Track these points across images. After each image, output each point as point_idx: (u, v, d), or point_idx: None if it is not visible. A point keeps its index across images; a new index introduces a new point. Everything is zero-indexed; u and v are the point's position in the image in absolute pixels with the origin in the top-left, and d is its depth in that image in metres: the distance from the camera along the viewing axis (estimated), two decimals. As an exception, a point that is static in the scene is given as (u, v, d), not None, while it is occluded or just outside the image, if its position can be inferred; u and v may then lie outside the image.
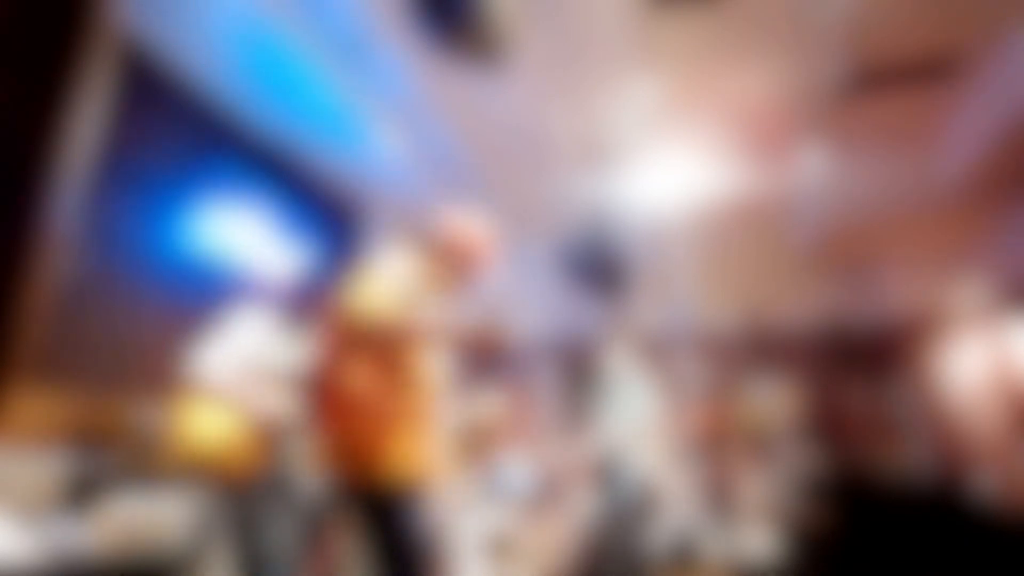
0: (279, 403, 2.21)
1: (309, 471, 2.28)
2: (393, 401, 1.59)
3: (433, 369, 1.72)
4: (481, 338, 6.49)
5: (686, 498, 5.78)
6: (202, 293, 2.65)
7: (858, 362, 6.67)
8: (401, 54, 2.83)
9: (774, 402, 6.57)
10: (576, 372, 6.99)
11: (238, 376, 2.16)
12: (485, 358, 6.00)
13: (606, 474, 3.98)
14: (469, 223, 1.90)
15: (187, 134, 2.90)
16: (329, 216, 4.04)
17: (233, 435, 2.08)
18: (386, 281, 1.67)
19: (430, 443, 1.66)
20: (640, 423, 4.12)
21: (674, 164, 3.82)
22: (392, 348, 1.61)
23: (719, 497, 5.93)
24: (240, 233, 3.03)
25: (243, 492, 2.07)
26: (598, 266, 4.90)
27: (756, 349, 6.96)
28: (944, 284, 5.61)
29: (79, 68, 1.56)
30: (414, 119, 3.36)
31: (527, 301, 6.40)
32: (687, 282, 5.90)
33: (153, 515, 1.97)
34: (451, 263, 1.84)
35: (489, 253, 1.92)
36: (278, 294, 2.42)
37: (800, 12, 2.55)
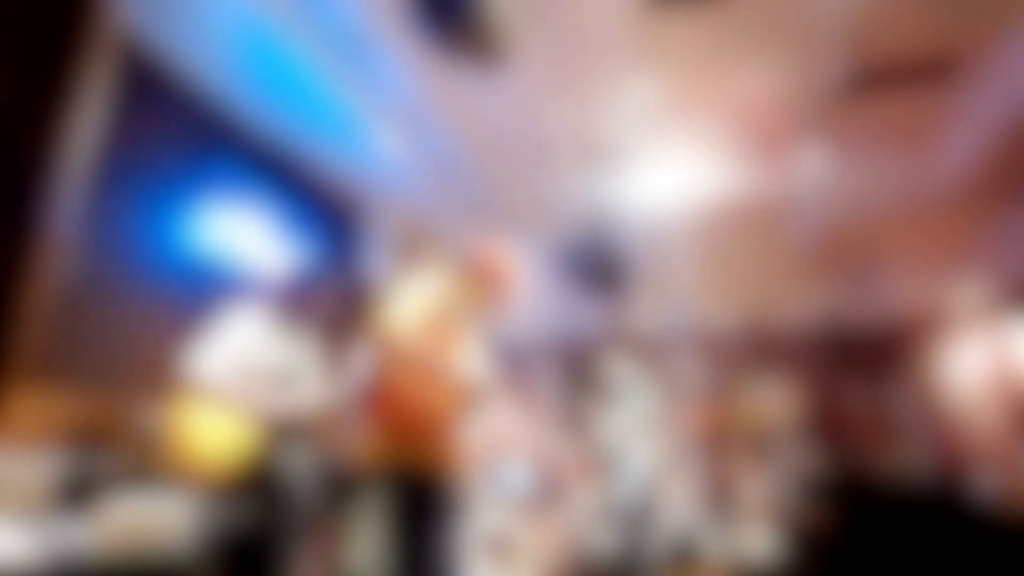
0: (277, 402, 2.21)
1: (308, 469, 2.28)
2: (442, 405, 1.71)
3: (471, 375, 1.82)
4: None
5: (686, 498, 5.78)
6: (202, 293, 2.64)
7: (858, 362, 6.67)
8: (401, 54, 2.83)
9: (774, 402, 6.57)
10: (576, 372, 6.98)
11: (236, 376, 2.16)
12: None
13: (607, 474, 3.98)
14: (502, 252, 2.02)
15: (187, 134, 2.89)
16: (329, 216, 4.04)
17: (231, 434, 2.08)
18: (419, 304, 1.76)
19: (466, 444, 1.77)
20: (640, 424, 4.12)
21: (674, 164, 3.81)
22: (432, 363, 1.70)
23: (719, 497, 5.93)
24: (239, 233, 3.03)
25: (241, 491, 2.07)
26: (598, 266, 4.90)
27: (756, 349, 6.95)
28: (944, 284, 5.61)
29: (79, 68, 1.56)
30: (414, 119, 3.35)
31: (527, 301, 6.39)
32: (687, 282, 5.89)
33: (153, 516, 1.97)
34: (485, 289, 1.96)
35: (517, 283, 2.03)
36: (277, 294, 2.43)
37: (800, 12, 2.55)
